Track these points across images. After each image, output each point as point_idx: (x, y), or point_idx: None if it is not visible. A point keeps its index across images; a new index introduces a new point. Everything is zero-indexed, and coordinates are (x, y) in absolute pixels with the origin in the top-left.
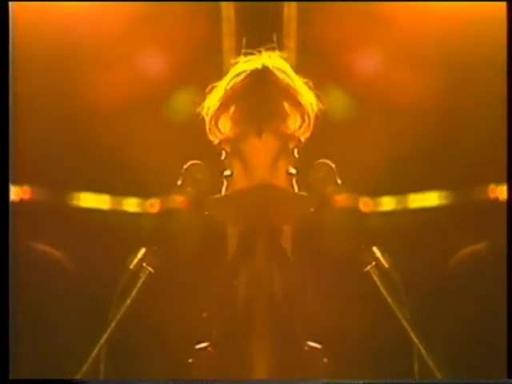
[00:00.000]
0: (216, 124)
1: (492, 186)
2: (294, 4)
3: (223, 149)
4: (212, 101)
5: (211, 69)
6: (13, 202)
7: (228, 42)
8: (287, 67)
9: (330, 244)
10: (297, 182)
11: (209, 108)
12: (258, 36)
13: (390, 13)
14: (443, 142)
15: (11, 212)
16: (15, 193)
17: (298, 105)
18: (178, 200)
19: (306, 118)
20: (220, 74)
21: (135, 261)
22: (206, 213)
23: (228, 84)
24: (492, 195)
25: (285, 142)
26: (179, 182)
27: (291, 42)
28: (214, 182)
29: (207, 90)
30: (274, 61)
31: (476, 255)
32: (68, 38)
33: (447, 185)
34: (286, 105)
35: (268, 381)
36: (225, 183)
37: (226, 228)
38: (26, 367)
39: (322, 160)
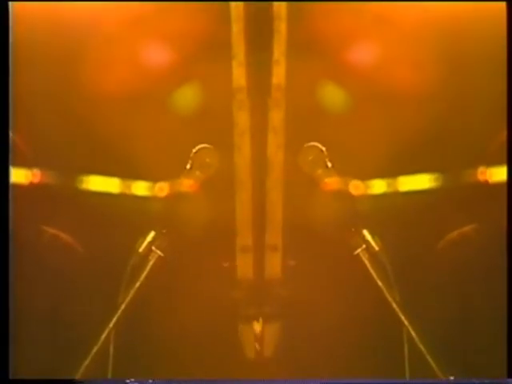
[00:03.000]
0: None
1: (481, 169)
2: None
3: None
4: None
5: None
6: (22, 185)
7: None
8: None
9: (320, 227)
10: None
11: None
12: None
13: (389, 11)
14: (433, 126)
15: (21, 195)
16: (25, 176)
17: None
18: (187, 184)
19: None
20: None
21: (144, 244)
22: None
23: None
24: (481, 178)
25: None
26: (188, 166)
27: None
28: (223, 166)
29: None
30: None
31: (466, 238)
32: (70, 35)
33: (437, 168)
34: None
35: (268, 381)
36: None
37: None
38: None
39: (311, 143)
